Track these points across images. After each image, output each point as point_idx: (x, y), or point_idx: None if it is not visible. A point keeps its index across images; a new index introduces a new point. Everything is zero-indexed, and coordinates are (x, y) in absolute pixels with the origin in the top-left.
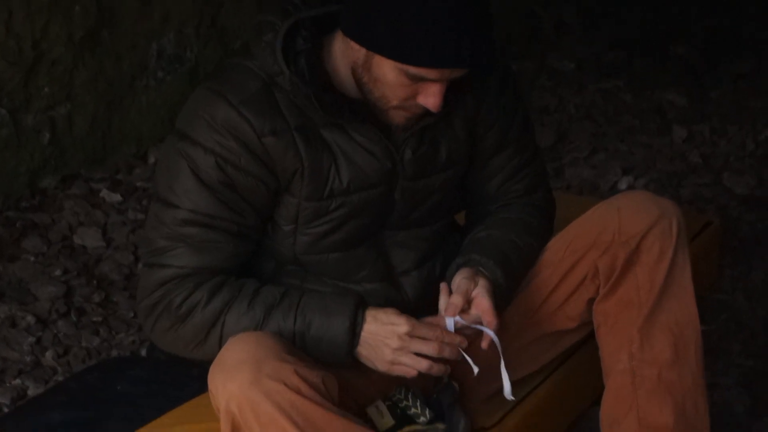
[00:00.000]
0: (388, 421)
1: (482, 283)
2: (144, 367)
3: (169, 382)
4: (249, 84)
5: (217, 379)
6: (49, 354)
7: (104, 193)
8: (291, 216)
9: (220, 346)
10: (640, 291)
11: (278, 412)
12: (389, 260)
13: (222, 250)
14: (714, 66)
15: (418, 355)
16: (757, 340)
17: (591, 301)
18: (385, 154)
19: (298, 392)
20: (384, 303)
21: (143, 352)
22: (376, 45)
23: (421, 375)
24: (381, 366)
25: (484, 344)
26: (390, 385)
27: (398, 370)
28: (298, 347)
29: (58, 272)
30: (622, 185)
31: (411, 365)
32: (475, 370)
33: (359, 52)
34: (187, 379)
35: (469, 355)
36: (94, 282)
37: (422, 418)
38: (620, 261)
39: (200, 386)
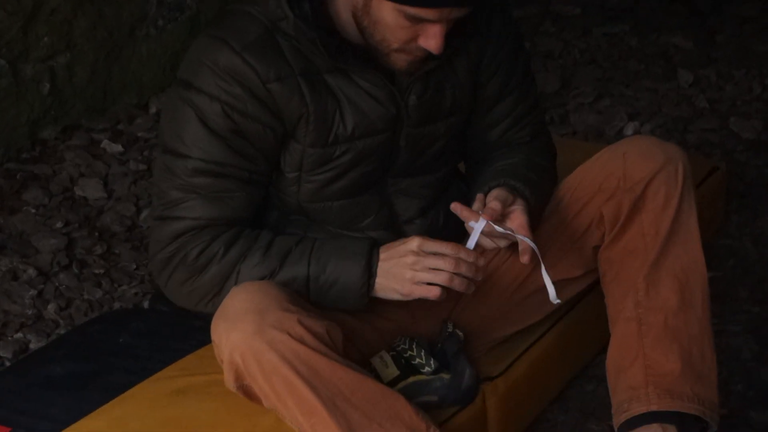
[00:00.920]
0: (393, 371)
1: (520, 201)
2: (147, 320)
3: (172, 334)
4: (251, 29)
5: (221, 330)
6: (51, 307)
7: (105, 143)
8: (295, 163)
9: None
10: (645, 237)
11: (282, 361)
12: (393, 208)
13: (235, 198)
14: (720, 9)
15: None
16: (764, 285)
17: (596, 249)
18: (390, 99)
19: (302, 342)
20: None
21: (146, 305)
22: None
23: (427, 318)
24: (403, 288)
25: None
26: (394, 336)
27: (420, 291)
28: (312, 292)
29: (59, 224)
30: (628, 131)
31: (430, 279)
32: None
33: None
34: (190, 331)
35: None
36: (96, 234)
37: (427, 368)
38: (625, 207)
39: (203, 338)
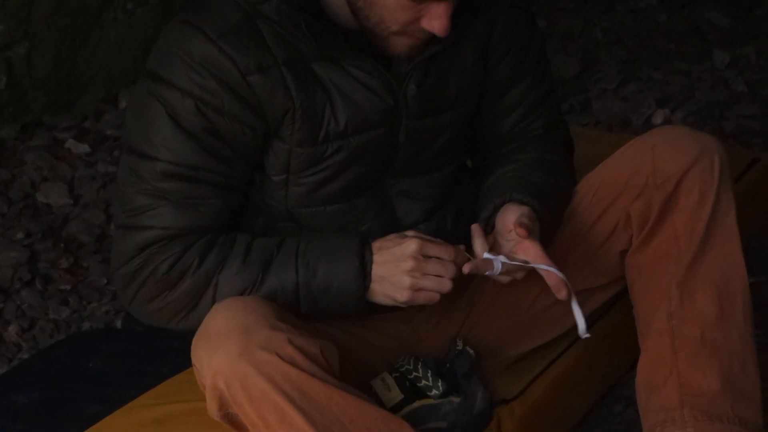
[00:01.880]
0: (396, 395)
1: (537, 226)
2: (119, 341)
3: (148, 357)
4: (229, 15)
5: (202, 352)
6: (12, 328)
7: (70, 143)
8: (281, 164)
9: None
10: (678, 240)
11: (271, 386)
12: (394, 212)
13: (209, 205)
14: None
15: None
16: None
17: (623, 254)
18: (386, 89)
19: (293, 364)
20: None
21: (118, 324)
22: None
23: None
24: (402, 296)
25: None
26: (397, 355)
27: (421, 297)
28: (304, 302)
29: (20, 235)
30: (657, 119)
31: (432, 288)
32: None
33: None
34: (168, 353)
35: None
36: (61, 245)
37: (434, 391)
38: (655, 207)
39: (183, 360)
